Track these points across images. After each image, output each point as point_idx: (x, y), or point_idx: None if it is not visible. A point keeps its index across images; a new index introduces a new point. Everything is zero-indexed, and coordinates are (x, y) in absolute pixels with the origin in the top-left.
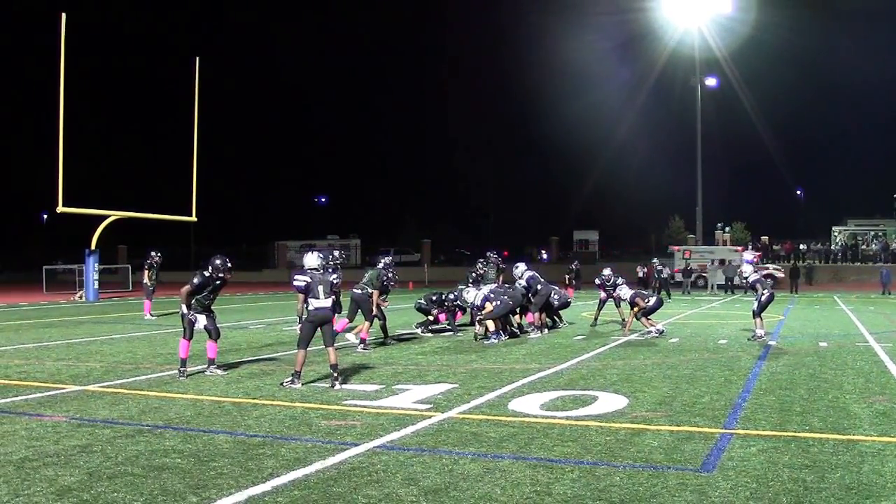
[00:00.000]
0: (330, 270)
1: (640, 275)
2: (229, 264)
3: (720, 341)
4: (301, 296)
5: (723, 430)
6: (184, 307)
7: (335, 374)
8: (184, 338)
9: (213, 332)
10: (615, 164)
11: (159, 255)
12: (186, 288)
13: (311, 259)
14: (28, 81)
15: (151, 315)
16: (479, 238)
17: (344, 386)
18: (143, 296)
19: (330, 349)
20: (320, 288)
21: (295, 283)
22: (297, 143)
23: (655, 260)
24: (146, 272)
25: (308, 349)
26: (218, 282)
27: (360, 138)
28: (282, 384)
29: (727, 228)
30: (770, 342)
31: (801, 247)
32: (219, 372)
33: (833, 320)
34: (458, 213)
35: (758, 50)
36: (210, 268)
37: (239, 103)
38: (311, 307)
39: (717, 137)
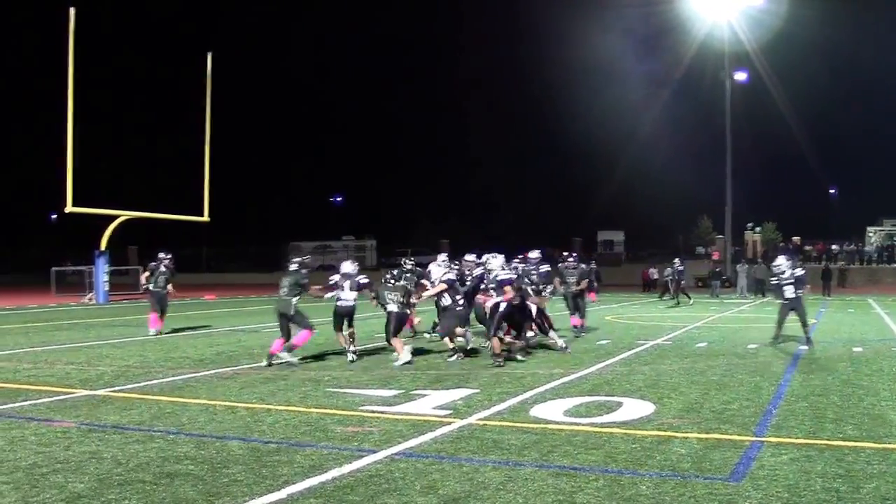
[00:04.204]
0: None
1: (654, 277)
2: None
3: (750, 346)
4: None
5: (753, 438)
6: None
7: (351, 348)
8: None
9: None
10: (641, 163)
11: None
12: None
13: (348, 266)
14: (37, 78)
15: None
16: (498, 238)
17: (361, 391)
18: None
19: (352, 330)
20: (347, 283)
21: (330, 279)
22: (313, 141)
23: (676, 260)
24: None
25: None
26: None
27: (376, 137)
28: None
29: (757, 229)
30: (801, 347)
31: (833, 247)
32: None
33: (868, 324)
34: (476, 213)
35: (789, 43)
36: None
37: (253, 100)
38: (338, 301)
39: (747, 134)
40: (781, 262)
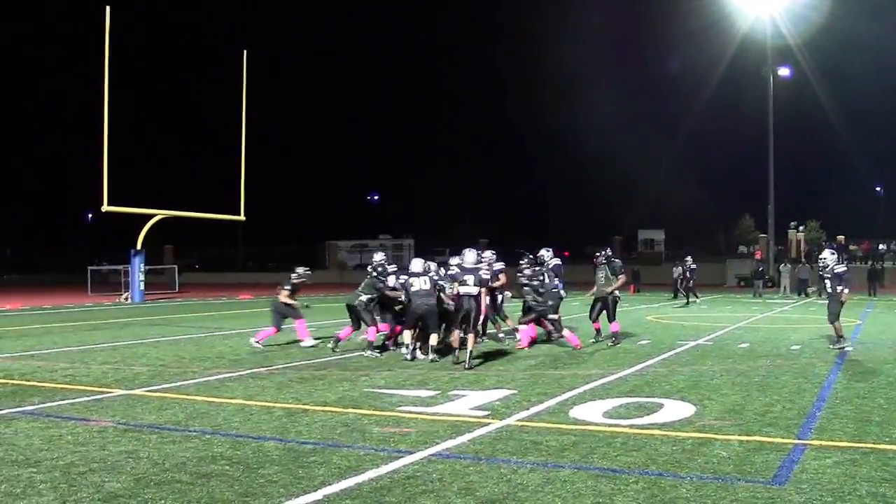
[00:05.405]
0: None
1: (676, 275)
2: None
3: (793, 347)
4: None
5: (796, 441)
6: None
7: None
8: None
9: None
10: (681, 161)
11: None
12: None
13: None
14: (72, 78)
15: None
16: (537, 238)
17: (399, 391)
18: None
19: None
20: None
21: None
22: (349, 139)
23: (689, 258)
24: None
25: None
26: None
27: (412, 135)
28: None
29: (801, 228)
30: (847, 348)
31: (881, 247)
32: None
33: None
34: (515, 212)
35: (834, 38)
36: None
37: (289, 98)
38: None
39: (790, 131)
40: (826, 255)
